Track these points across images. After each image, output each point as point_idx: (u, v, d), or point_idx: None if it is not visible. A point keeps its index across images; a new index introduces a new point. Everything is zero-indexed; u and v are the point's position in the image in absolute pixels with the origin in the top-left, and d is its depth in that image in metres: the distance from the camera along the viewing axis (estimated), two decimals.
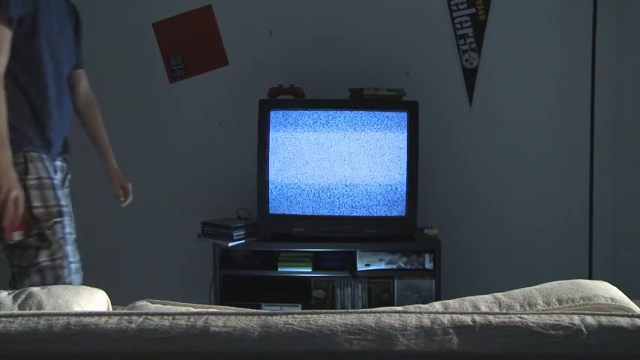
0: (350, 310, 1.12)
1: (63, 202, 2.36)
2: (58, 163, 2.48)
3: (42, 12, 2.30)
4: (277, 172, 3.39)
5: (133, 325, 1.10)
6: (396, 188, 3.36)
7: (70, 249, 2.37)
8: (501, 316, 1.10)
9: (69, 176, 2.58)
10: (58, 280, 2.29)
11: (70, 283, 2.32)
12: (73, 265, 2.36)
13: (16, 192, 2.20)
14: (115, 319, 1.11)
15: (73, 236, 2.45)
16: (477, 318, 1.09)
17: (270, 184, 3.39)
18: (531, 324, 1.07)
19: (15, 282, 2.32)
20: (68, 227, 2.37)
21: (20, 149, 2.26)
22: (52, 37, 2.37)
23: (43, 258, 2.28)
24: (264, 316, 1.11)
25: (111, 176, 2.79)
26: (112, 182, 2.79)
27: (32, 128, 2.32)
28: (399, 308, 1.14)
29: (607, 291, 1.24)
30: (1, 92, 2.20)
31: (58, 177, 2.45)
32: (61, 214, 2.33)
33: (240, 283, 3.56)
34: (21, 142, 2.27)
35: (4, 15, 2.19)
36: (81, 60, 2.69)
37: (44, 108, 2.35)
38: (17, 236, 2.25)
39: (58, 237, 2.31)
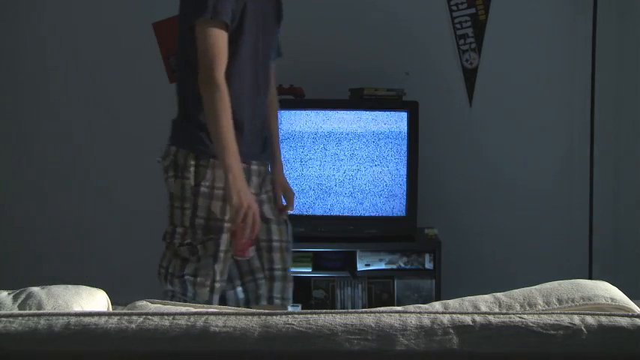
0: (350, 310, 1.12)
1: (227, 217, 2.15)
2: (254, 167, 2.27)
3: (249, 8, 2.16)
4: None
5: (133, 325, 1.10)
6: (396, 188, 3.36)
7: (219, 267, 2.16)
8: (501, 316, 1.10)
9: (269, 177, 2.40)
10: (197, 297, 2.14)
11: (210, 302, 2.15)
12: (217, 285, 2.17)
13: (256, 207, 2.10)
14: (115, 319, 1.11)
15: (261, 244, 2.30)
16: (477, 318, 1.09)
17: None
18: (531, 324, 1.07)
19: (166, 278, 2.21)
20: (223, 245, 2.16)
21: (210, 154, 2.13)
22: (256, 35, 2.22)
23: (188, 271, 2.14)
24: (264, 316, 1.11)
25: (275, 182, 2.48)
26: (274, 188, 2.46)
27: None
28: (399, 308, 1.14)
29: (607, 291, 1.24)
30: (226, 100, 2.07)
31: (253, 182, 2.25)
32: (220, 230, 2.15)
33: None
34: (211, 146, 2.12)
35: (221, 19, 2.08)
36: (276, 51, 2.43)
37: (239, 110, 2.16)
38: (252, 252, 2.18)
39: (208, 254, 2.14)
